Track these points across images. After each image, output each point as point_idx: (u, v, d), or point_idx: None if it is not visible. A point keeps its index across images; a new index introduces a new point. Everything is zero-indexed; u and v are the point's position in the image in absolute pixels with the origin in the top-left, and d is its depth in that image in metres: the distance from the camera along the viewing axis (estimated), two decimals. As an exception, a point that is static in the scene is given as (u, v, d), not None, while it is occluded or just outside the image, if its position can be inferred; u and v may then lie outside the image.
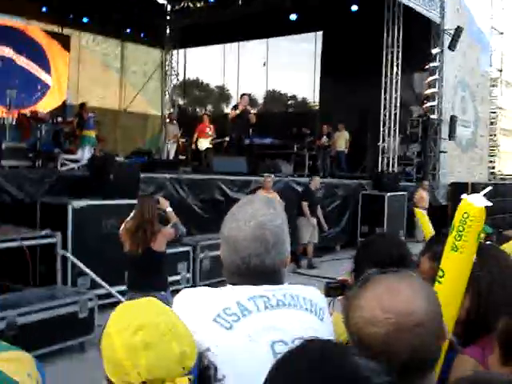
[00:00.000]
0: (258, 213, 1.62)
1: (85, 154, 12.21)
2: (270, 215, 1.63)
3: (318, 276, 10.00)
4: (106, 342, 1.22)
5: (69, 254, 7.07)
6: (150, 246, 5.27)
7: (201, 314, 1.53)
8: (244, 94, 14.19)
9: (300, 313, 1.59)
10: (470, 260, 1.77)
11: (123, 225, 5.43)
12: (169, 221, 5.56)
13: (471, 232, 1.74)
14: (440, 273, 1.78)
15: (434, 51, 16.65)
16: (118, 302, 7.13)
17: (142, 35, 20.12)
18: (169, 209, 5.61)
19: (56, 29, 18.11)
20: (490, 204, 1.76)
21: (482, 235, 2.90)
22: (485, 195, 1.78)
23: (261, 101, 29.16)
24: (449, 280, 1.75)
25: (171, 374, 1.17)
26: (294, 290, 1.65)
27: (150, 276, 5.31)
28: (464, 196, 1.80)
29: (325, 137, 16.38)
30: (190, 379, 1.18)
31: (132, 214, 5.38)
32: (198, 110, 30.41)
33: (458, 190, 16.83)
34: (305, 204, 11.35)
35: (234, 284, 1.62)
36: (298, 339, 1.54)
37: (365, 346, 1.17)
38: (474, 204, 1.74)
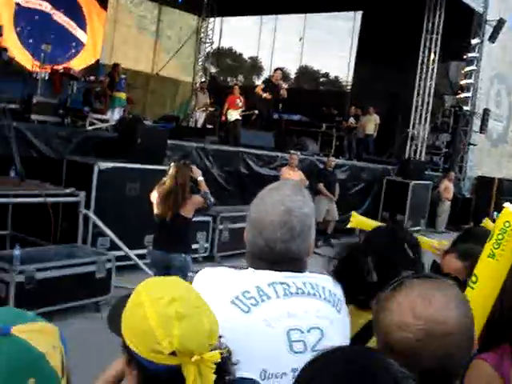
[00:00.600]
0: (286, 199, 1.61)
1: (114, 114, 12.27)
2: (298, 202, 1.63)
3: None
4: (136, 310, 1.23)
5: (91, 214, 7.14)
6: (179, 211, 5.38)
7: (220, 294, 1.53)
8: (278, 69, 14.10)
9: (318, 302, 1.59)
10: (506, 268, 1.74)
11: (155, 188, 5.52)
12: (199, 190, 5.67)
13: (510, 242, 1.71)
14: (473, 278, 1.76)
15: (474, 41, 16.35)
16: (135, 265, 7.24)
17: (179, 0, 19.97)
18: (200, 178, 5.69)
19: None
20: None
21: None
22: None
23: (293, 76, 28.97)
24: (482, 286, 1.73)
25: (200, 348, 1.18)
26: (314, 278, 1.65)
27: (176, 240, 5.43)
28: (507, 204, 1.77)
29: (352, 118, 16.23)
30: (221, 353, 1.20)
31: (165, 179, 5.46)
32: (229, 79, 30.31)
33: (484, 184, 16.70)
34: (321, 185, 11.39)
35: (255, 268, 1.62)
36: (314, 328, 1.55)
37: (392, 349, 1.17)
38: None
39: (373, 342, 1.69)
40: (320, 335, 1.55)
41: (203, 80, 18.88)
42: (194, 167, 5.74)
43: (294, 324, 1.53)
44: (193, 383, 1.17)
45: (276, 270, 1.59)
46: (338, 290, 1.68)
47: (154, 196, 5.47)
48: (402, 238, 1.99)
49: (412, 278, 1.24)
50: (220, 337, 1.28)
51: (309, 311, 1.56)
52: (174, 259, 5.42)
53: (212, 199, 5.69)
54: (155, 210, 5.48)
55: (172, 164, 5.60)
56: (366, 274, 1.88)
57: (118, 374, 1.50)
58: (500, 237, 1.72)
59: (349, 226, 2.94)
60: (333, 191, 11.58)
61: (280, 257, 1.59)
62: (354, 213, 3.09)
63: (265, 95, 13.05)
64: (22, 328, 1.02)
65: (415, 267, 1.92)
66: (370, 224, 2.82)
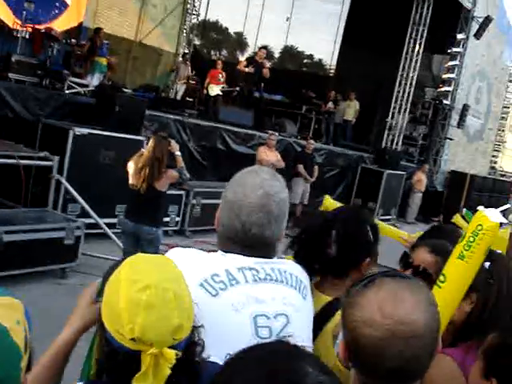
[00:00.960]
0: (265, 183, 1.61)
1: (93, 80, 12.08)
2: (276, 187, 1.63)
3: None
4: (113, 287, 1.23)
5: (63, 180, 7.06)
6: (154, 184, 5.41)
7: (189, 277, 1.52)
8: (262, 47, 14.04)
9: (285, 289, 1.61)
10: (474, 271, 1.77)
11: (133, 158, 5.55)
12: (175, 164, 5.67)
13: (481, 245, 1.74)
14: (441, 277, 1.78)
15: (459, 36, 16.42)
16: (104, 234, 7.20)
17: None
18: (178, 153, 5.71)
19: None
20: (505, 221, 1.76)
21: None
22: (502, 212, 1.79)
23: (277, 55, 28.81)
24: (449, 287, 1.76)
25: (161, 341, 1.17)
26: (283, 265, 1.66)
27: (148, 212, 5.46)
28: (480, 208, 1.79)
29: (331, 103, 16.24)
30: (177, 354, 1.19)
31: (143, 150, 5.52)
32: (212, 53, 30.02)
33: (457, 179, 16.91)
34: (300, 166, 11.44)
35: (225, 251, 1.62)
36: (280, 315, 1.57)
37: (357, 345, 1.19)
38: (490, 218, 1.74)
39: (332, 323, 1.72)
40: (286, 321, 1.57)
41: (186, 52, 18.64)
42: (173, 141, 5.74)
43: (261, 310, 1.54)
44: (145, 372, 1.16)
45: (247, 255, 1.59)
46: (304, 278, 1.70)
47: (131, 166, 5.47)
48: (366, 219, 2.01)
49: (384, 276, 1.25)
50: (200, 326, 1.29)
51: (276, 298, 1.57)
52: (144, 231, 5.44)
53: (187, 175, 5.73)
54: (130, 180, 5.48)
55: (151, 136, 5.60)
56: (326, 247, 1.89)
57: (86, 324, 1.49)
58: (471, 239, 1.75)
59: (321, 208, 2.94)
60: (310, 173, 11.63)
61: (254, 241, 1.59)
62: (327, 196, 3.10)
63: (247, 70, 12.97)
64: None
65: (372, 250, 1.94)
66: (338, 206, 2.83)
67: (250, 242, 1.59)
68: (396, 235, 3.08)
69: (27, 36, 12.15)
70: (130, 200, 5.71)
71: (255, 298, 1.54)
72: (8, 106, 7.82)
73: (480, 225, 1.75)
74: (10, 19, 13.17)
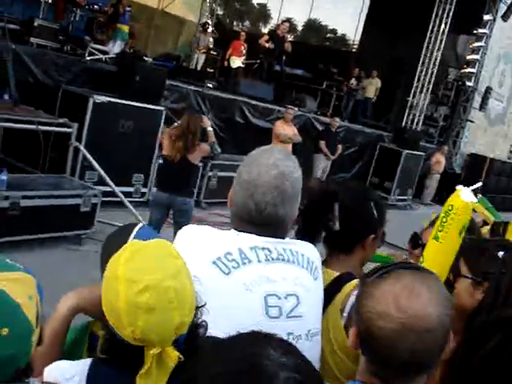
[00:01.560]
0: (279, 163, 1.61)
1: (115, 47, 12.04)
2: (290, 167, 1.63)
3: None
4: (112, 282, 1.21)
5: (82, 147, 7.09)
6: (187, 156, 5.59)
7: (202, 254, 1.54)
8: (285, 21, 13.89)
9: (297, 269, 1.61)
10: (449, 252, 1.77)
11: (166, 130, 5.83)
12: (207, 139, 5.86)
13: (453, 225, 1.74)
14: (421, 259, 1.80)
15: (486, 18, 16.10)
16: (120, 202, 7.25)
17: None
18: (209, 128, 5.94)
19: None
20: (475, 200, 1.76)
21: (492, 220, 2.90)
22: (474, 190, 1.77)
23: (300, 28, 28.55)
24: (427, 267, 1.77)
25: (163, 341, 1.18)
26: (295, 245, 1.66)
27: (181, 183, 5.68)
28: (459, 187, 1.78)
29: (354, 79, 16.11)
30: (179, 357, 1.18)
31: (176, 124, 5.74)
32: (235, 23, 29.81)
33: (476, 162, 16.74)
34: (322, 143, 11.53)
35: (239, 230, 1.62)
36: (291, 295, 1.58)
37: (370, 336, 1.20)
38: (461, 197, 1.74)
39: (340, 296, 1.74)
40: (296, 302, 1.57)
41: (207, 21, 18.47)
42: (205, 117, 6.01)
43: (272, 289, 1.55)
44: (149, 368, 1.17)
45: (260, 234, 1.59)
46: (316, 258, 1.70)
47: (165, 138, 5.70)
48: (370, 195, 2.01)
49: (400, 268, 1.25)
50: (203, 306, 1.29)
51: (287, 278, 1.58)
52: (178, 202, 5.65)
53: (218, 149, 5.92)
54: (164, 152, 5.72)
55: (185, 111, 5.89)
56: (329, 221, 1.90)
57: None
58: (444, 220, 1.75)
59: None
60: (333, 151, 11.70)
61: (267, 220, 1.59)
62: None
63: (268, 45, 12.88)
64: (0, 276, 1.02)
65: (376, 227, 1.95)
66: None
67: (264, 222, 1.59)
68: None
69: (50, 1, 12.10)
70: (162, 172, 6.02)
71: (267, 278, 1.55)
72: (29, 71, 7.84)
73: (451, 205, 1.74)
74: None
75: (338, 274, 1.85)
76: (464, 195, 1.74)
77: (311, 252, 1.71)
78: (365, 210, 1.93)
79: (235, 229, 1.63)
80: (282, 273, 1.57)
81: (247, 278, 1.53)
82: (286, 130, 10.37)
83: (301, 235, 1.84)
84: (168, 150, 5.65)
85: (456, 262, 1.84)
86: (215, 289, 1.48)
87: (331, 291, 1.77)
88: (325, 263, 1.90)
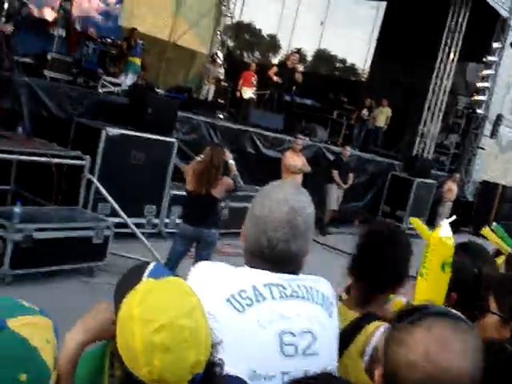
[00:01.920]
0: (291, 198, 1.61)
1: (127, 79, 12.20)
2: (302, 202, 1.63)
3: (332, 247, 10.07)
4: (127, 323, 1.21)
5: (94, 179, 7.14)
6: (211, 190, 5.68)
7: (216, 292, 1.54)
8: (294, 52, 14.02)
9: (311, 306, 1.61)
10: (436, 288, 1.76)
11: (190, 165, 5.92)
12: (229, 172, 5.98)
13: (433, 260, 1.74)
14: (413, 297, 1.81)
15: (495, 45, 16.18)
16: (133, 234, 7.26)
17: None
18: (231, 161, 6.02)
19: None
20: (450, 235, 1.75)
21: (506, 250, 2.85)
22: (451, 223, 1.77)
23: (310, 58, 28.78)
24: None
25: (180, 379, 1.17)
26: (309, 281, 1.66)
27: (207, 216, 5.77)
28: (444, 222, 1.78)
29: (366, 110, 16.18)
30: None
31: (199, 158, 5.79)
32: (245, 54, 30.12)
33: (488, 189, 16.66)
34: (335, 172, 11.55)
35: (252, 266, 1.62)
36: (306, 332, 1.57)
37: (397, 382, 1.18)
38: (439, 233, 1.73)
39: (361, 338, 1.72)
40: (311, 339, 1.56)
41: (215, 52, 18.67)
42: (227, 151, 6.03)
43: (287, 327, 1.54)
44: None
45: (274, 270, 1.59)
46: (330, 294, 1.69)
47: (189, 172, 5.77)
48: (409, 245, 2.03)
49: (434, 315, 1.22)
50: (219, 343, 1.28)
51: (302, 315, 1.57)
52: (204, 234, 5.73)
53: (241, 182, 6.10)
54: (188, 186, 5.80)
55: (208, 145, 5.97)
56: (381, 266, 1.91)
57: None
58: (425, 255, 1.76)
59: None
60: (345, 180, 11.71)
61: (280, 257, 1.59)
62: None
63: (276, 79, 13.01)
64: (17, 321, 1.02)
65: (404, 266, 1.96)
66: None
67: (276, 258, 1.59)
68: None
69: (63, 34, 12.31)
70: (187, 205, 6.11)
71: (281, 315, 1.54)
72: (42, 104, 7.93)
73: (429, 241, 1.74)
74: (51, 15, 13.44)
75: (357, 314, 1.85)
76: (442, 230, 1.73)
77: (326, 288, 1.69)
78: (406, 257, 1.95)
79: (248, 264, 1.63)
80: (297, 310, 1.57)
81: (261, 316, 1.52)
82: (296, 160, 10.38)
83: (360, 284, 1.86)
84: (192, 185, 5.74)
85: (485, 296, 1.82)
86: (229, 326, 1.47)
87: (352, 331, 1.76)
88: (346, 301, 1.90)
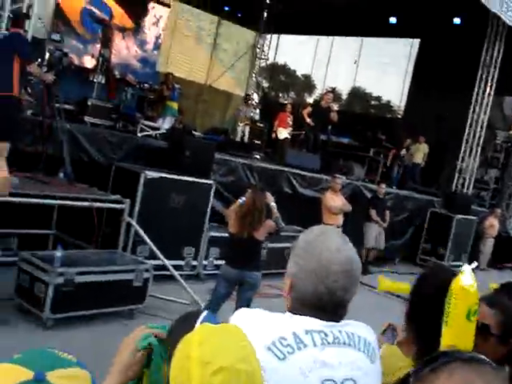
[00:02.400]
0: (343, 247, 1.64)
1: (165, 123, 12.43)
2: (352, 250, 1.66)
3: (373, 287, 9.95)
4: (183, 363, 1.22)
5: (134, 222, 7.23)
6: (254, 233, 5.72)
7: (256, 339, 1.52)
8: (328, 91, 14.12)
9: (353, 353, 1.59)
10: (462, 338, 1.70)
11: (232, 207, 5.96)
12: (271, 215, 6.00)
13: (456, 309, 1.68)
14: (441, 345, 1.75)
15: (532, 78, 16.02)
16: (171, 276, 7.29)
17: (238, 15, 20.18)
18: (273, 204, 6.09)
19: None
20: (471, 283, 1.70)
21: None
22: (473, 270, 1.72)
23: (344, 96, 28.90)
24: None
25: None
26: (351, 327, 1.64)
27: (250, 258, 5.80)
28: (464, 268, 1.73)
29: (404, 150, 16.16)
30: None
31: (241, 201, 5.84)
32: (280, 95, 30.41)
33: (531, 224, 16.27)
34: (373, 211, 11.51)
35: (296, 313, 1.61)
36: (348, 380, 1.55)
37: None
38: (460, 281, 1.69)
39: None
40: None
41: (249, 93, 18.92)
42: (268, 193, 6.11)
43: (329, 374, 1.53)
44: None
45: (324, 318, 1.59)
46: (372, 340, 1.68)
47: (231, 216, 5.86)
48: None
49: (456, 360, 1.18)
50: None
51: (344, 362, 1.56)
52: (249, 277, 5.75)
53: (282, 224, 6.15)
54: (230, 229, 5.87)
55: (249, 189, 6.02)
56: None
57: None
58: (448, 305, 1.71)
59: (377, 290, 2.92)
60: (382, 218, 11.64)
61: (337, 305, 1.61)
62: (381, 277, 3.05)
63: (308, 121, 13.11)
64: (56, 374, 1.04)
65: None
66: (398, 287, 2.79)
67: (333, 307, 1.60)
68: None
69: (103, 81, 12.66)
70: (230, 248, 6.09)
71: (323, 362, 1.53)
72: (83, 150, 8.13)
73: (451, 289, 1.69)
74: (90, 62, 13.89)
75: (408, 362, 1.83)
76: (464, 278, 1.69)
77: (367, 333, 1.68)
78: None
79: (293, 311, 1.63)
80: (339, 357, 1.56)
81: (303, 363, 1.51)
82: (336, 200, 10.33)
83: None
84: (234, 228, 5.79)
85: None
86: (272, 374, 1.47)
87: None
88: (404, 344, 1.88)
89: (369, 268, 11.44)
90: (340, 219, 10.16)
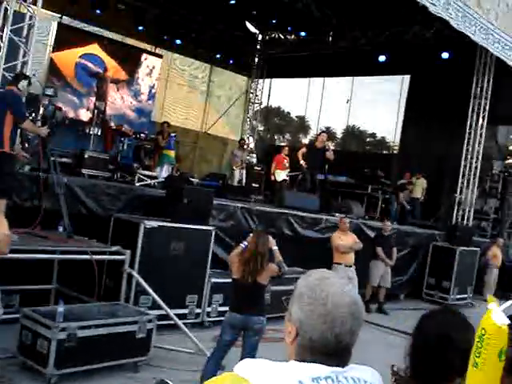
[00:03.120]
0: (347, 289, 1.61)
1: (162, 171, 12.49)
2: (353, 290, 1.63)
3: (383, 326, 9.85)
4: None
5: (135, 273, 7.19)
6: (257, 277, 5.70)
7: None
8: (322, 132, 14.24)
9: None
10: (493, 378, 1.66)
11: (234, 252, 5.93)
12: (273, 259, 6.01)
13: (489, 350, 1.63)
14: None
15: (524, 107, 16.17)
16: (175, 325, 7.22)
17: (230, 61, 20.51)
18: (275, 247, 6.05)
19: (149, 47, 18.71)
20: (507, 321, 1.66)
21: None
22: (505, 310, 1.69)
23: (339, 135, 29.14)
24: None
25: None
26: (357, 371, 1.62)
27: (255, 303, 5.77)
28: (491, 306, 1.70)
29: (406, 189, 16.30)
30: None
31: (243, 246, 5.84)
32: (276, 137, 30.66)
33: (534, 252, 16.20)
34: (379, 249, 11.50)
35: (300, 359, 1.58)
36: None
37: None
38: (494, 320, 1.65)
39: None
40: None
41: (243, 138, 19.10)
42: (270, 237, 6.03)
43: None
44: None
45: (329, 362, 1.56)
46: (377, 382, 1.65)
47: (234, 261, 5.85)
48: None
49: None
50: None
51: None
52: (252, 321, 5.68)
53: (286, 268, 6.06)
54: (234, 275, 5.86)
55: (251, 233, 6.01)
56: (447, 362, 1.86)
57: None
58: (479, 345, 1.65)
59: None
60: (389, 256, 11.60)
61: (341, 349, 1.58)
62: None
63: (302, 163, 13.21)
64: None
65: None
66: None
67: (339, 351, 1.58)
68: None
69: (99, 133, 12.78)
70: (234, 293, 6.01)
71: None
72: (81, 202, 8.14)
73: (483, 328, 1.65)
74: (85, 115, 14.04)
75: None
76: (496, 317, 1.66)
77: (372, 377, 1.65)
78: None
79: (297, 357, 1.60)
80: None
81: None
82: (344, 240, 10.33)
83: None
84: (238, 274, 5.77)
85: None
86: None
87: None
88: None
89: (382, 308, 11.44)
90: (350, 258, 10.18)
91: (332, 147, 13.50)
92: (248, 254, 5.71)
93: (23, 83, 7.34)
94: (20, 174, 7.63)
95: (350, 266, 10.13)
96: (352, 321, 1.56)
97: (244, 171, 16.06)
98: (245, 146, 17.24)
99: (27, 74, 7.85)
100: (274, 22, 18.83)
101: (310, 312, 1.60)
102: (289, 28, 19.32)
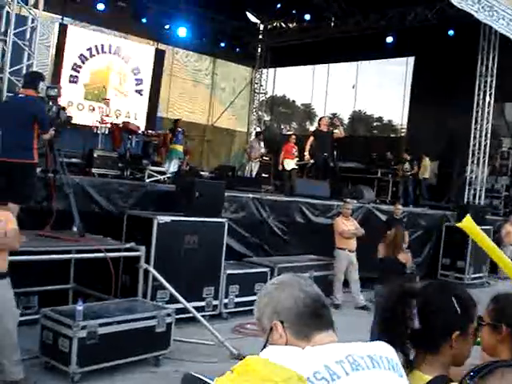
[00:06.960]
0: (309, 282, 1.78)
1: (171, 166, 12.50)
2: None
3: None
4: None
5: (151, 268, 7.22)
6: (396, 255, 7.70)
7: None
8: (322, 117, 14.19)
9: (383, 373, 1.61)
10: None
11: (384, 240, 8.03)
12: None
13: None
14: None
15: (531, 82, 16.05)
16: (193, 318, 7.26)
17: (233, 53, 20.47)
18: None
19: (151, 43, 18.71)
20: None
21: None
22: None
23: (346, 121, 29.00)
24: None
25: None
26: (372, 348, 1.67)
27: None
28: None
29: (407, 164, 16.13)
30: None
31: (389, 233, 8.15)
32: (282, 127, 30.56)
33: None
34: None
35: (305, 336, 1.66)
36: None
37: None
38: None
39: None
40: None
41: (258, 130, 19.08)
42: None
43: None
44: None
45: (321, 328, 1.67)
46: (394, 356, 1.70)
47: (382, 245, 7.95)
48: (451, 291, 1.96)
49: (502, 367, 1.19)
50: None
51: (376, 383, 1.57)
52: None
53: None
54: (379, 254, 7.95)
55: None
56: (408, 319, 1.87)
57: None
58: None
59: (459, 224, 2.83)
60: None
61: (323, 305, 1.73)
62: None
63: (307, 157, 13.27)
64: None
65: (461, 323, 1.90)
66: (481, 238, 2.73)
67: (320, 309, 1.71)
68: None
69: (106, 131, 12.80)
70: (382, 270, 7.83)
71: None
72: (94, 201, 8.18)
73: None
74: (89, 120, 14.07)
75: (427, 376, 1.81)
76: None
77: (388, 351, 1.70)
78: (445, 304, 1.89)
79: (302, 336, 1.67)
80: (370, 380, 1.57)
81: None
82: (348, 225, 10.26)
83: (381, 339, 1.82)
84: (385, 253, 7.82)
85: None
86: None
87: None
88: (412, 364, 1.86)
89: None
90: (353, 244, 10.10)
91: (338, 123, 13.50)
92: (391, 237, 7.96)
93: (42, 85, 7.01)
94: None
95: (353, 252, 10.08)
96: (316, 289, 1.74)
97: (258, 164, 16.11)
98: (261, 138, 17.20)
99: (45, 77, 7.72)
100: (275, 10, 18.76)
101: (278, 297, 1.72)
102: (291, 14, 19.22)
